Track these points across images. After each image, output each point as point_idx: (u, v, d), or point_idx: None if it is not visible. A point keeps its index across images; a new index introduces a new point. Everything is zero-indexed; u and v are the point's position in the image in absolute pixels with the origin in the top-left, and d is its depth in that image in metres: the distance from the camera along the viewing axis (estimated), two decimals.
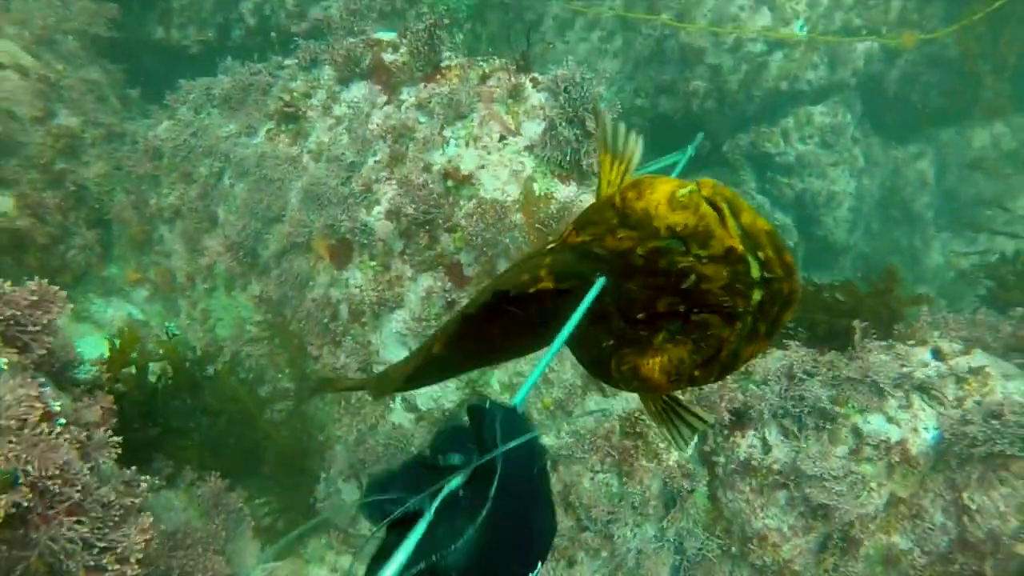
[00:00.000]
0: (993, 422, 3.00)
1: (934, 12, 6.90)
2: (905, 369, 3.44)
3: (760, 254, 0.99)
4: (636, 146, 1.33)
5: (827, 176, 7.42)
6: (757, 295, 0.99)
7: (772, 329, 1.03)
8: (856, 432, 3.31)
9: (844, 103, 7.27)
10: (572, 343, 1.13)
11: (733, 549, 3.48)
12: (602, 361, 1.12)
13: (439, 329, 1.40)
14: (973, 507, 2.97)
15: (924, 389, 3.37)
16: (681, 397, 1.31)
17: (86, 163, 4.91)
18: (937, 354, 3.60)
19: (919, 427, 3.26)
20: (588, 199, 3.31)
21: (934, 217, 8.42)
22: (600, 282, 1.05)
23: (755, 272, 0.99)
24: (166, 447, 3.59)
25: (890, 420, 3.32)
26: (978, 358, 3.41)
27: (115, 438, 2.27)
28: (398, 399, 3.67)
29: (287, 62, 4.61)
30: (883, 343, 3.65)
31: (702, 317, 1.00)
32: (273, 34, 5.35)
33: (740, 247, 0.99)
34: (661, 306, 1.02)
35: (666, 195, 1.03)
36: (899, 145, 8.13)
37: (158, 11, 6.00)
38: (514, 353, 1.36)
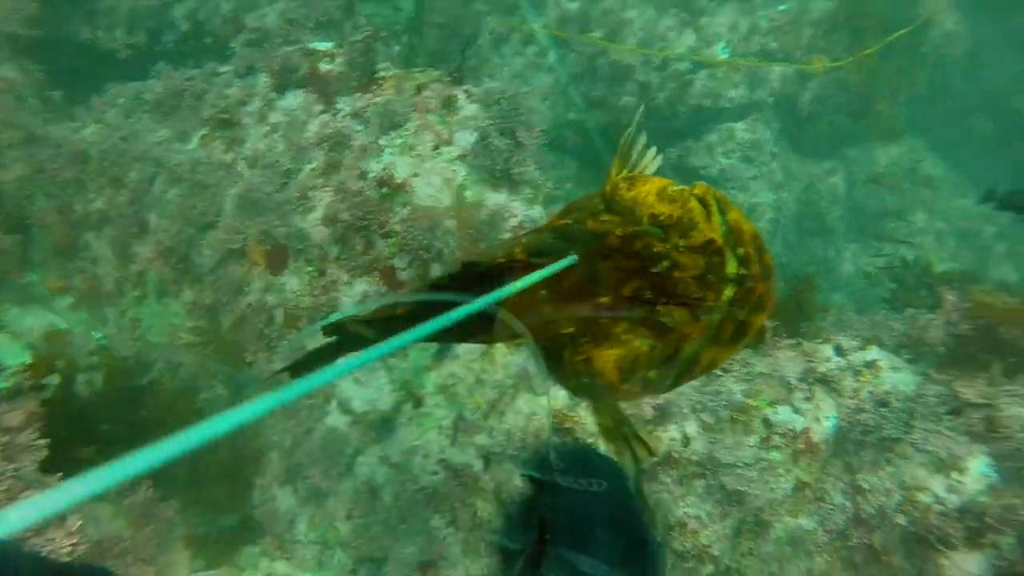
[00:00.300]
0: (882, 409, 3.33)
1: (838, 40, 7.50)
2: (810, 364, 3.76)
3: (740, 250, 0.96)
4: (651, 164, 1.30)
5: (749, 189, 7.89)
6: (729, 291, 0.95)
7: (738, 334, 0.98)
8: (766, 423, 3.59)
9: (763, 121, 7.77)
10: (534, 328, 1.05)
11: (657, 538, 3.69)
12: (559, 349, 1.06)
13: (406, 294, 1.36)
14: (866, 487, 3.28)
15: (826, 382, 3.69)
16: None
17: (3, 166, 4.72)
18: (839, 350, 3.95)
19: (821, 416, 3.56)
20: (518, 206, 3.48)
21: (845, 229, 9.09)
22: (570, 259, 1.00)
23: (731, 268, 0.96)
24: (97, 458, 3.52)
25: (796, 411, 3.61)
26: (872, 353, 3.76)
27: (40, 441, 2.26)
28: (334, 402, 3.72)
29: (222, 69, 4.61)
30: (792, 341, 3.96)
31: (668, 308, 0.95)
32: (208, 40, 5.32)
33: (720, 240, 0.96)
34: (628, 290, 0.97)
35: (657, 188, 1.02)
36: (813, 161, 8.73)
37: (84, 11, 5.84)
38: (477, 331, 1.24)
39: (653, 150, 1.31)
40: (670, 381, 1.02)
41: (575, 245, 1.03)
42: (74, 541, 2.26)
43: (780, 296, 4.46)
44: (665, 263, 0.95)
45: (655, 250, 0.97)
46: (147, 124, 4.59)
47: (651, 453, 1.25)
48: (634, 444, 1.25)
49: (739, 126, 7.63)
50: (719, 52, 7.42)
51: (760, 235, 1.01)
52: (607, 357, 0.98)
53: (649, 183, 1.04)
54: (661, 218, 0.99)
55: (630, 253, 0.98)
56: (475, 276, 1.07)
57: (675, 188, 1.02)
